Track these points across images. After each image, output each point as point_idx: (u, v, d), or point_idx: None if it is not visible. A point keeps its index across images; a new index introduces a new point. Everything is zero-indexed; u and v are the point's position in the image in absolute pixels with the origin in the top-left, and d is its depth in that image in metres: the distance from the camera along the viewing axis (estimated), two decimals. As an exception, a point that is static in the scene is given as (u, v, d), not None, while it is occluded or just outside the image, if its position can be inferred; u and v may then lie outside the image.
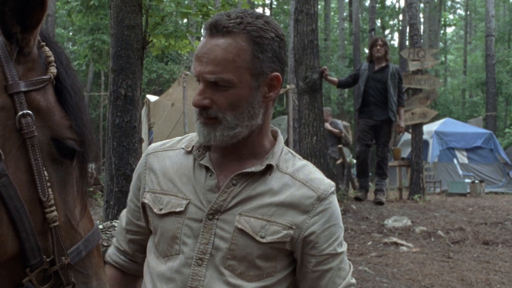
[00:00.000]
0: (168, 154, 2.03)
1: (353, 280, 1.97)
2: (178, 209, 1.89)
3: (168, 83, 25.78)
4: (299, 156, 2.04)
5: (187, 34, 6.44)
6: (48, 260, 1.34)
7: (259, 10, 43.33)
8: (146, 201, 1.98)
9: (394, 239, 7.90)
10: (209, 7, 6.05)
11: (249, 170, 1.88)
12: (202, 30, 30.24)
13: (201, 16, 6.13)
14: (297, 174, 1.93)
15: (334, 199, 1.96)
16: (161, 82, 28.00)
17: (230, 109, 1.82)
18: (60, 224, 1.37)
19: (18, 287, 1.32)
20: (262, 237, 1.84)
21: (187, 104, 13.28)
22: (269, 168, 1.90)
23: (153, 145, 2.11)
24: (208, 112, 1.83)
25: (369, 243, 7.81)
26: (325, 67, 10.77)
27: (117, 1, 5.43)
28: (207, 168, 1.92)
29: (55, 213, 1.34)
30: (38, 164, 1.31)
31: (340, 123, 14.66)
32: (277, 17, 42.07)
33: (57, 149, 1.37)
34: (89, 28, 21.69)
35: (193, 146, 1.97)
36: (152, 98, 15.83)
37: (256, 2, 6.85)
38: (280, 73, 1.88)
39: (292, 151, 2.04)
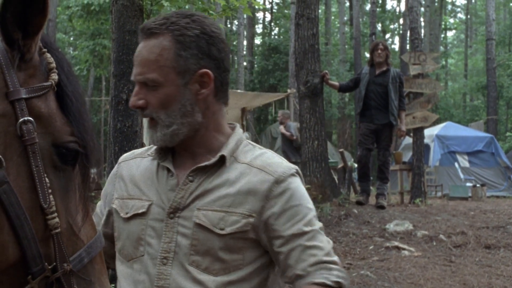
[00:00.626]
0: (137, 161, 2.08)
1: (329, 258, 1.87)
2: (140, 211, 1.92)
3: (169, 87, 25.75)
4: (260, 147, 2.05)
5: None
6: (50, 267, 1.33)
7: (260, 14, 43.42)
8: (114, 206, 2.02)
9: (396, 243, 7.88)
10: (210, 11, 6.07)
11: (203, 164, 1.91)
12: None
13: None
14: (255, 162, 1.93)
15: (294, 180, 1.93)
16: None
17: (161, 108, 1.87)
18: (62, 230, 1.35)
19: None
20: (222, 229, 1.84)
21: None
22: (223, 160, 1.92)
23: (125, 154, 2.18)
24: (144, 112, 1.90)
25: (371, 247, 7.80)
26: (326, 71, 10.81)
27: (119, 6, 5.44)
28: (168, 169, 1.95)
29: (56, 219, 1.33)
30: (39, 171, 1.30)
31: (294, 125, 14.57)
32: (277, 22, 42.15)
33: (58, 155, 1.35)
34: (90, 33, 21.75)
35: (156, 149, 2.00)
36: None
37: (256, 7, 6.86)
38: (212, 70, 1.89)
39: (253, 143, 2.05)
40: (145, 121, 14.05)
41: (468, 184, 16.34)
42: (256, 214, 1.86)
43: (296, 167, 1.99)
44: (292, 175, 1.93)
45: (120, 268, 1.97)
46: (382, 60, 10.28)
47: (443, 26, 43.11)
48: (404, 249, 7.68)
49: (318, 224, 1.92)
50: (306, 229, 1.87)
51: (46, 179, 1.32)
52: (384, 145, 10.36)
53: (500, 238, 8.43)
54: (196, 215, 1.86)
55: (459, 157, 18.89)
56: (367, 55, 23.64)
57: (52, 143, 1.35)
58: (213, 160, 1.91)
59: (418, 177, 12.37)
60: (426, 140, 14.73)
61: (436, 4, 39.05)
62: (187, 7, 6.55)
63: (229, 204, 1.86)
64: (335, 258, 1.89)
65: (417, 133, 12.77)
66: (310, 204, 1.94)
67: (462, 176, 17.95)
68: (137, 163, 2.06)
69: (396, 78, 10.25)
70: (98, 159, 1.46)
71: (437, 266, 6.95)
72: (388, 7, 45.18)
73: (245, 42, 33.82)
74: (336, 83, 11.42)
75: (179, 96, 1.87)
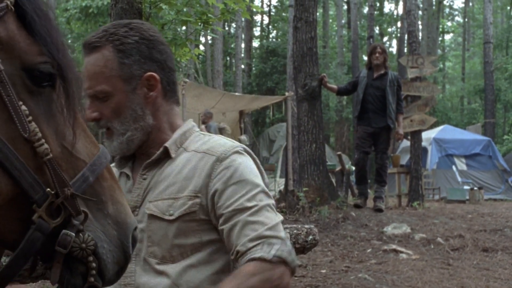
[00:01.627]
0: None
1: (272, 232, 1.78)
2: None
3: (167, 90, 25.75)
4: (210, 134, 2.09)
5: (186, 42, 6.46)
6: (53, 192, 1.28)
7: (258, 17, 43.49)
8: None
9: (394, 246, 7.89)
10: (209, 15, 6.08)
11: (149, 160, 1.97)
12: (201, 38, 30.33)
13: (200, 24, 6.15)
14: (200, 147, 1.98)
15: (238, 157, 1.92)
16: (160, 89, 27.98)
17: (114, 117, 1.93)
18: (56, 155, 1.30)
19: (30, 227, 1.27)
20: (171, 215, 1.87)
21: (186, 111, 13.29)
22: (167, 152, 1.97)
23: None
24: (100, 124, 1.94)
25: (369, 250, 7.81)
26: (324, 74, 10.84)
27: (118, 9, 5.45)
28: (127, 175, 2.03)
29: (45, 146, 1.26)
30: (12, 100, 1.22)
31: (215, 126, 14.58)
32: (275, 24, 42.19)
33: (31, 79, 1.27)
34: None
35: (113, 157, 2.02)
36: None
37: (255, 10, 6.87)
38: (156, 72, 1.96)
39: (206, 133, 2.10)
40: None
41: (466, 187, 16.36)
42: (201, 194, 1.88)
43: (243, 145, 2.00)
44: (236, 152, 1.93)
45: None
46: (380, 63, 10.24)
47: (440, 29, 43.18)
48: (402, 252, 7.69)
49: (267, 200, 1.87)
50: (249, 204, 1.82)
51: (23, 106, 1.24)
52: (382, 148, 10.31)
53: (498, 241, 8.45)
54: (147, 207, 1.91)
55: (456, 160, 18.93)
56: (365, 58, 23.69)
57: (21, 67, 1.26)
58: (157, 153, 1.96)
59: (416, 180, 12.39)
60: (423, 143, 14.73)
61: (434, 7, 39.13)
62: (185, 10, 6.57)
63: (177, 191, 1.90)
64: (281, 233, 1.80)
65: (415, 136, 12.79)
66: (257, 179, 1.90)
67: (459, 179, 17.99)
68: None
69: (394, 81, 10.21)
70: (76, 76, 1.38)
71: (435, 269, 6.95)
72: (386, 10, 45.27)
73: (243, 45, 33.83)
74: (334, 86, 11.47)
75: (129, 102, 1.93)
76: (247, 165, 1.92)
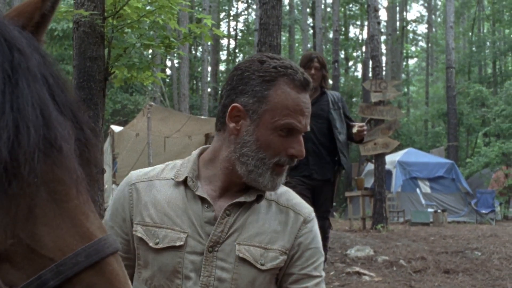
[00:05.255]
0: (155, 184, 1.98)
1: None
2: (178, 243, 1.86)
3: (133, 113, 25.68)
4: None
5: (151, 66, 6.48)
6: None
7: (224, 41, 43.68)
8: (138, 234, 1.92)
9: (357, 269, 7.94)
10: (172, 39, 6.11)
11: (242, 200, 1.91)
12: (167, 62, 30.27)
13: (163, 48, 6.18)
14: (281, 200, 1.99)
15: (316, 223, 2.02)
16: (126, 112, 27.90)
17: None
18: (6, 248, 0.94)
19: None
20: (262, 265, 1.87)
21: (151, 134, 13.25)
22: (260, 197, 1.94)
23: (134, 174, 2.05)
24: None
25: (332, 272, 7.84)
26: None
27: (80, 32, 5.46)
28: (202, 199, 1.91)
29: None
30: None
31: None
32: (242, 48, 42.39)
33: None
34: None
35: (186, 177, 1.94)
36: (116, 128, 15.76)
37: (219, 34, 6.92)
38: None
39: None
40: (107, 146, 13.91)
41: (430, 209, 16.55)
42: (288, 251, 1.92)
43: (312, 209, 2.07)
44: (314, 217, 2.03)
45: None
46: (316, 84, 6.35)
47: (404, 54, 43.82)
48: (365, 274, 7.74)
49: (323, 273, 2.00)
50: (316, 273, 1.95)
51: None
52: (324, 210, 6.35)
53: (459, 263, 8.56)
54: (238, 249, 1.86)
55: (420, 183, 19.13)
56: (331, 82, 23.88)
57: None
58: (252, 198, 1.92)
59: (380, 202, 12.52)
60: (388, 166, 14.91)
61: (397, 32, 39.75)
62: (151, 33, 6.59)
63: (267, 241, 1.90)
64: None
65: (379, 159, 12.94)
66: (322, 248, 2.02)
67: (423, 201, 18.18)
68: (157, 187, 1.97)
69: (337, 102, 6.56)
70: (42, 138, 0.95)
71: (397, 291, 7.01)
72: (351, 34, 45.84)
73: (209, 69, 33.91)
74: None
75: None
76: (319, 233, 2.03)
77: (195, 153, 2.01)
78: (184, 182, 1.93)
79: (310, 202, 5.82)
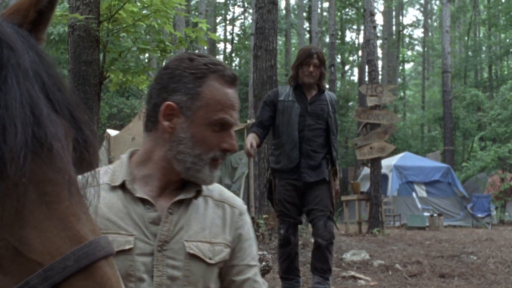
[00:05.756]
0: (90, 191, 1.99)
1: None
2: (127, 247, 1.86)
3: (129, 117, 25.66)
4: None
5: (146, 70, 6.47)
6: None
7: (221, 45, 43.73)
8: None
9: (352, 273, 7.94)
10: (167, 43, 6.11)
11: (182, 197, 1.93)
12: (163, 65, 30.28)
13: (159, 52, 6.18)
14: (214, 195, 2.03)
15: (247, 214, 2.09)
16: (122, 116, 27.85)
17: None
18: None
19: None
20: (211, 259, 1.90)
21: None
22: (198, 193, 1.98)
23: None
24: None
25: (328, 277, 7.83)
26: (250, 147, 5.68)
27: (75, 36, 5.45)
28: (142, 201, 1.91)
29: None
30: None
31: None
32: (238, 53, 42.44)
33: None
34: (49, 62, 21.59)
35: (124, 181, 1.93)
36: (112, 132, 15.75)
37: (214, 39, 6.93)
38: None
39: None
40: (103, 150, 13.83)
41: (426, 213, 16.56)
42: (230, 244, 1.97)
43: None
44: (246, 208, 2.09)
45: None
46: (313, 82, 6.02)
47: (401, 58, 43.92)
48: (360, 278, 7.74)
49: (258, 262, 2.09)
50: (254, 262, 2.03)
51: None
52: (324, 205, 5.85)
53: (455, 267, 8.56)
54: (188, 246, 1.88)
55: (416, 187, 19.17)
56: (327, 86, 23.83)
57: None
58: (192, 194, 1.95)
59: (376, 206, 12.52)
60: (384, 170, 14.91)
61: (394, 36, 39.84)
62: (148, 37, 6.59)
63: (211, 235, 1.93)
64: None
65: (375, 163, 12.94)
66: (254, 237, 2.10)
67: (419, 205, 18.20)
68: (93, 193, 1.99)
69: (334, 105, 6.15)
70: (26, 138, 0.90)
71: (392, 295, 7.01)
72: (348, 39, 45.92)
73: (206, 73, 33.88)
74: (253, 142, 5.68)
75: None
76: (251, 221, 2.11)
77: (125, 156, 2.01)
78: (121, 186, 1.93)
79: (296, 208, 5.96)
